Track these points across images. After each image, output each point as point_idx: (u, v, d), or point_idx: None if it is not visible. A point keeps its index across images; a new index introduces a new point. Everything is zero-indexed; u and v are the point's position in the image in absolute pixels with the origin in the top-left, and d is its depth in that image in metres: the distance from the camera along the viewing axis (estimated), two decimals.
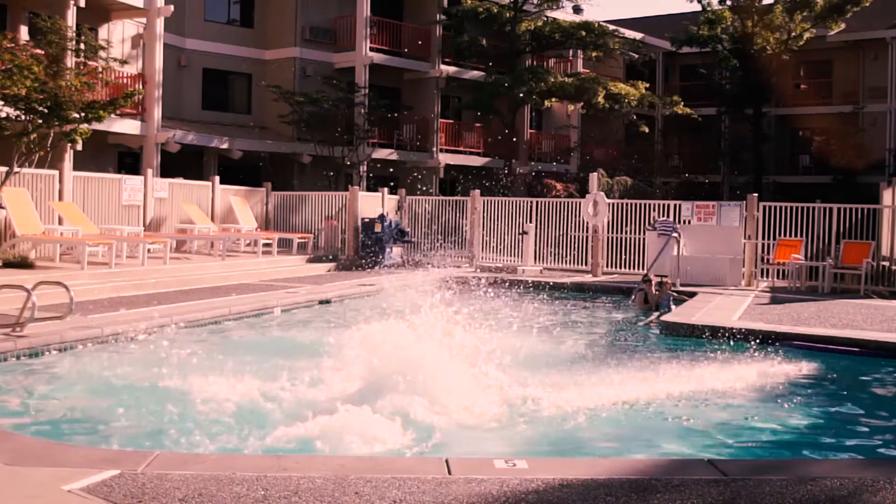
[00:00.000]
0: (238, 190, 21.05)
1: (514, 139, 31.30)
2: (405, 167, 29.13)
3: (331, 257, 19.24)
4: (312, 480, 4.36)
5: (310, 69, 27.33)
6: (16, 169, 14.13)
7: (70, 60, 16.48)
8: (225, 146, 24.48)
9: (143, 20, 22.54)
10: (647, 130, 32.03)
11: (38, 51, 14.63)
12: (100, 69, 17.73)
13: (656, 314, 12.45)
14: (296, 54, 27.19)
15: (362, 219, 19.59)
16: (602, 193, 18.27)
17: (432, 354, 6.92)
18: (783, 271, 16.27)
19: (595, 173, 20.00)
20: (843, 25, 34.51)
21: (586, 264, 18.48)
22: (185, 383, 7.11)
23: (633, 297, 14.31)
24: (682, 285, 14.99)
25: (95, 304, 11.17)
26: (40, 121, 13.95)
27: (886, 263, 15.85)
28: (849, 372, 8.96)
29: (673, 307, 12.73)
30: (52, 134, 14.41)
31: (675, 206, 17.87)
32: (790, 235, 16.51)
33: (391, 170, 28.42)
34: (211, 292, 13.00)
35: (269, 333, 10.99)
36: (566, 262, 19.08)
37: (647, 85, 32.18)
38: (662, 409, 7.08)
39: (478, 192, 20.09)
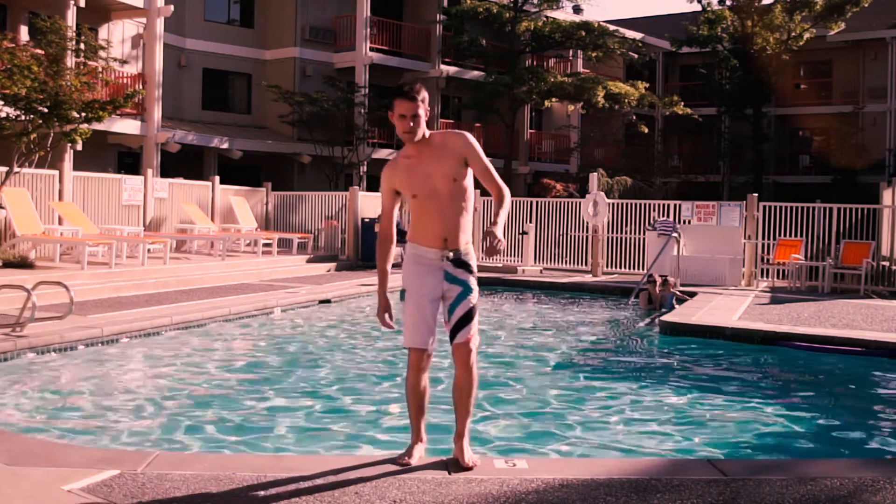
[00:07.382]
0: (238, 190, 21.05)
1: (514, 139, 31.28)
2: None
3: (331, 257, 19.23)
4: (312, 480, 4.36)
5: (310, 69, 27.34)
6: (16, 169, 14.13)
7: (70, 60, 16.47)
8: (225, 146, 24.49)
9: (143, 20, 22.55)
10: (646, 130, 32.03)
11: (38, 51, 14.63)
12: (100, 69, 17.73)
13: (657, 314, 12.45)
14: (296, 54, 27.19)
15: (362, 219, 19.57)
16: (602, 193, 18.25)
17: None
18: (783, 271, 16.26)
19: (595, 173, 19.97)
20: (843, 25, 34.51)
21: (586, 264, 18.48)
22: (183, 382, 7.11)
23: (632, 296, 14.30)
24: (682, 285, 14.98)
25: (95, 303, 11.17)
26: (40, 121, 13.94)
27: (886, 263, 15.85)
28: (848, 372, 8.96)
29: (676, 306, 12.74)
30: (52, 134, 14.40)
31: (675, 206, 17.86)
32: (790, 235, 16.51)
33: None
34: (210, 292, 13.00)
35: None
36: (566, 262, 19.07)
37: (647, 85, 32.17)
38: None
39: (477, 191, 20.06)
